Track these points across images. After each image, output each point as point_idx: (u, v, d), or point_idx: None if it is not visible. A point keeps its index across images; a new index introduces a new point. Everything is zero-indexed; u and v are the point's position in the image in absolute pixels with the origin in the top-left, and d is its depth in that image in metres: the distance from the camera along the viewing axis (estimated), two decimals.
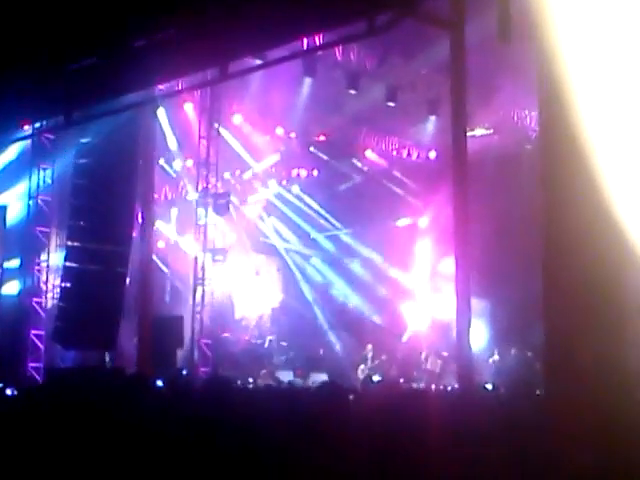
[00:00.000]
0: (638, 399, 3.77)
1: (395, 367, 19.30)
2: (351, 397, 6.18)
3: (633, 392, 3.79)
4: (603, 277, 4.01)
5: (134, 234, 16.64)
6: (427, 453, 4.54)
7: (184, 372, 16.72)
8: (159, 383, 8.96)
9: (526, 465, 4.20)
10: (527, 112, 18.34)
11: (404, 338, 20.47)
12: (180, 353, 17.44)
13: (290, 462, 4.71)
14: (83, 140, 16.10)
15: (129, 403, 6.42)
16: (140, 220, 16.84)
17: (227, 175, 21.05)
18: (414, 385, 16.82)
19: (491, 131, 19.82)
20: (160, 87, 13.42)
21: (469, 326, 11.18)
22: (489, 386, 12.66)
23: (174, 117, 19.37)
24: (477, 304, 14.62)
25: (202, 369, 17.61)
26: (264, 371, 18.67)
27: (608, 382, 3.83)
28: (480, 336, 17.35)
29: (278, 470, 4.76)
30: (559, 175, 4.27)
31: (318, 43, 12.56)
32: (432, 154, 21.21)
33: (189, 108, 19.42)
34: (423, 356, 18.95)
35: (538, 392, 6.59)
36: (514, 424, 5.25)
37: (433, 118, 19.38)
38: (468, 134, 12.49)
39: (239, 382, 15.13)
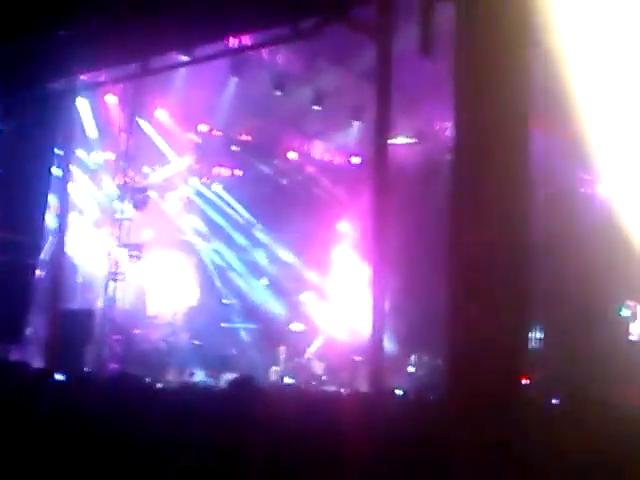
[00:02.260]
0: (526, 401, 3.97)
1: (307, 370, 19.37)
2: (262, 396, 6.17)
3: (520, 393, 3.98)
4: (502, 296, 4.13)
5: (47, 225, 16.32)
6: (335, 453, 4.57)
7: (89, 368, 16.42)
8: (61, 377, 8.78)
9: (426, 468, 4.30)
10: (449, 123, 18.63)
11: (318, 341, 20.55)
12: (89, 348, 17.12)
13: (196, 461, 4.66)
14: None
15: (31, 397, 6.28)
16: (57, 211, 16.52)
17: (147, 170, 20.76)
18: (325, 388, 16.91)
19: (414, 140, 20.10)
20: (82, 77, 13.19)
21: (382, 332, 11.28)
22: (399, 391, 12.81)
23: (95, 108, 19.03)
24: (392, 311, 14.79)
25: (111, 365, 17.35)
26: (175, 370, 18.48)
27: (503, 386, 3.99)
28: (393, 342, 17.51)
29: (180, 468, 4.70)
30: (465, 187, 4.39)
31: (243, 44, 12.50)
32: (355, 160, 21.35)
33: (111, 100, 19.09)
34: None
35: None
36: (420, 428, 5.34)
37: (357, 124, 19.55)
38: (391, 142, 12.61)
39: (148, 380, 14.92)
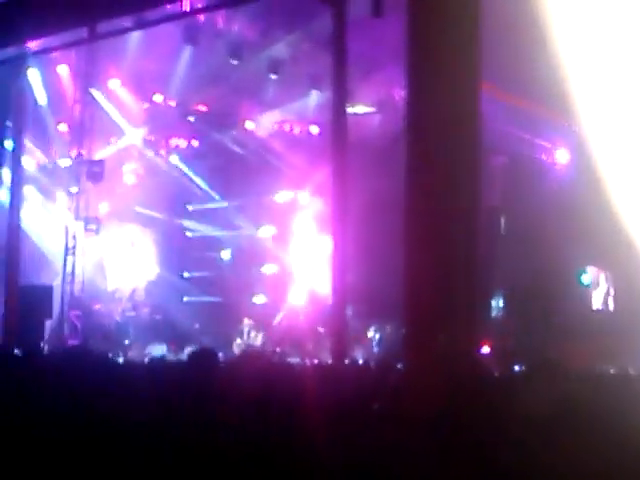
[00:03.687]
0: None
1: (273, 342, 19.29)
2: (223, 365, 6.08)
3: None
4: (457, 264, 4.07)
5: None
6: (295, 422, 4.49)
7: (49, 344, 16.22)
8: (18, 353, 8.61)
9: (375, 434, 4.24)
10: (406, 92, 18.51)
11: (281, 313, 20.48)
12: (48, 324, 16.90)
13: (154, 436, 4.54)
14: None
15: None
16: (9, 185, 16.20)
17: (102, 142, 20.37)
18: (289, 359, 16.87)
19: (373, 109, 19.97)
20: (31, 46, 12.86)
21: (344, 302, 11.23)
22: (361, 361, 12.79)
23: (47, 79, 18.61)
24: (353, 280, 14.71)
25: (71, 341, 17.15)
26: (137, 345, 18.31)
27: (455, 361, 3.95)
28: (357, 313, 17.48)
29: (138, 445, 4.56)
30: (420, 156, 4.31)
31: (193, 7, 12.20)
32: (314, 129, 21.16)
33: (63, 71, 18.67)
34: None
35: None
36: (380, 398, 5.29)
37: (315, 93, 19.35)
38: (350, 111, 12.51)
39: (109, 355, 14.75)
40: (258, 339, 19.20)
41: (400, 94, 18.97)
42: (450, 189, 4.22)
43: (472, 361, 4.01)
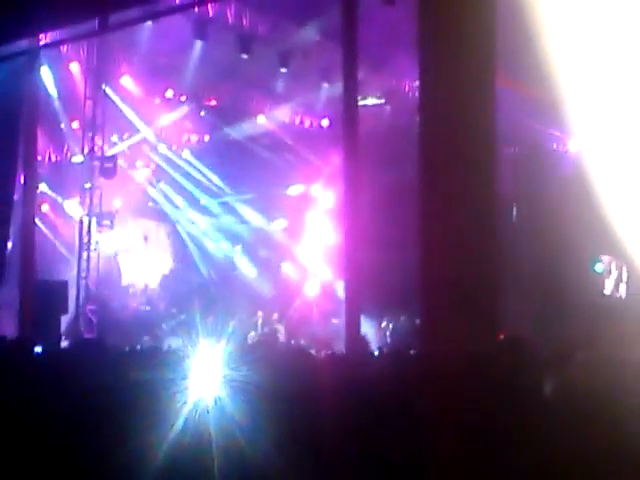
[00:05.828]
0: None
1: (286, 334, 19.36)
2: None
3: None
4: (473, 253, 4.12)
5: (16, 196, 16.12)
6: (317, 414, 4.54)
7: (65, 339, 16.33)
8: (38, 349, 8.70)
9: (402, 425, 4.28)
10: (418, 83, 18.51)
11: (295, 306, 20.55)
12: (64, 319, 17.02)
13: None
14: None
15: (8, 370, 6.19)
16: (22, 182, 16.28)
17: (115, 138, 20.51)
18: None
19: (383, 100, 20.01)
20: (42, 42, 12.96)
21: (358, 294, 11.26)
22: (376, 352, 12.83)
23: (59, 76, 18.72)
24: (365, 272, 14.75)
25: (87, 336, 17.27)
26: (147, 338, 18.39)
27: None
28: (371, 303, 17.53)
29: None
30: (433, 147, 4.35)
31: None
32: (325, 122, 21.21)
33: (75, 68, 18.79)
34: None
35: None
36: (396, 386, 5.34)
37: (326, 85, 19.39)
38: (360, 103, 12.52)
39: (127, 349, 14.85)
40: (280, 332, 19.21)
41: (409, 85, 19.00)
42: (466, 179, 4.25)
43: (492, 347, 4.05)
